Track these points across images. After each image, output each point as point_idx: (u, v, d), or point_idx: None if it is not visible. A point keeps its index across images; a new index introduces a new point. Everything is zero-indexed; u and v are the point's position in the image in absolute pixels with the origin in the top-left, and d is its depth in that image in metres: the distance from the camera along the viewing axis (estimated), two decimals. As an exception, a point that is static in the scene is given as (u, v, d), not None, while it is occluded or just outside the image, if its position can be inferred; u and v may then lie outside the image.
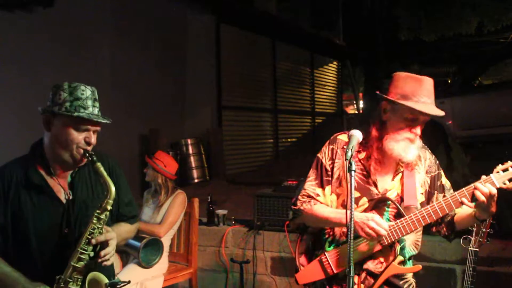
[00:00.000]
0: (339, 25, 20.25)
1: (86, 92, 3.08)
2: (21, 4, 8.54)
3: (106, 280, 3.03)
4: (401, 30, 16.30)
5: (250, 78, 14.98)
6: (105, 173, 3.08)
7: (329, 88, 20.69)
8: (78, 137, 3.05)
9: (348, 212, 2.93)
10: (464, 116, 10.79)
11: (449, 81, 18.64)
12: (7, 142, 8.07)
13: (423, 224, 3.28)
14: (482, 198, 3.12)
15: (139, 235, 5.75)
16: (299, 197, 3.60)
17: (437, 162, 3.57)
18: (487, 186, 3.12)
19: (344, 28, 20.33)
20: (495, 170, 3.18)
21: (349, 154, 2.94)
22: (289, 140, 17.33)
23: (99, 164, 3.07)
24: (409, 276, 3.56)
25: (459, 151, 7.68)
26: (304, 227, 3.73)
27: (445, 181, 3.56)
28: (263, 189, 6.65)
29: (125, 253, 5.89)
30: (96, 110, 3.10)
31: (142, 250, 5.54)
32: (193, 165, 11.63)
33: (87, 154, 3.07)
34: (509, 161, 3.16)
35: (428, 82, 3.24)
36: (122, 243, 3.40)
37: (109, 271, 3.28)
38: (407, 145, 3.28)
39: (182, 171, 10.65)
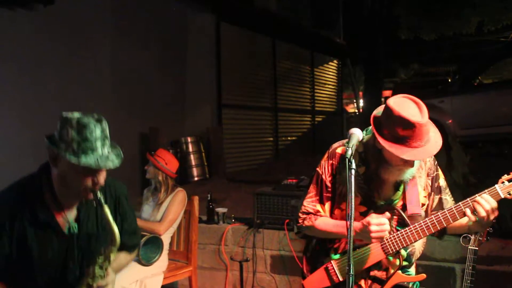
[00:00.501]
0: (339, 24, 20.27)
1: (96, 132, 2.89)
2: (21, 2, 8.54)
3: None
4: (401, 29, 16.32)
5: (250, 76, 14.99)
6: (111, 219, 2.98)
7: (329, 87, 20.70)
8: (85, 179, 2.93)
9: (349, 209, 2.92)
10: (463, 115, 10.79)
11: (449, 80, 18.68)
12: (7, 141, 8.09)
13: (427, 234, 3.30)
14: (483, 213, 3.11)
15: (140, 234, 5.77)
16: (300, 214, 3.59)
17: (436, 163, 3.54)
18: (489, 201, 3.11)
19: (345, 27, 20.35)
20: (500, 180, 3.17)
21: (349, 152, 2.93)
22: (289, 138, 17.33)
23: (106, 208, 2.97)
24: (412, 271, 3.59)
25: (459, 150, 7.69)
26: (308, 235, 3.72)
27: (442, 182, 3.54)
28: (263, 188, 6.65)
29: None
30: (106, 151, 2.93)
31: (142, 248, 5.56)
32: (193, 163, 11.64)
33: (94, 197, 2.97)
34: None
35: (421, 127, 3.06)
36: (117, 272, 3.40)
37: None
38: (402, 172, 3.26)
39: (182, 169, 10.67)
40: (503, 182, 3.16)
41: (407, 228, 3.31)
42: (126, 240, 3.35)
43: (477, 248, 3.77)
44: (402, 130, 3.05)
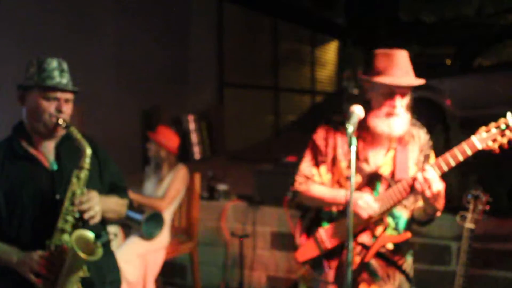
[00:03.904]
0: (340, 4, 20.20)
1: (52, 63, 3.22)
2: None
3: (92, 236, 3.09)
4: (401, 11, 16.30)
5: (252, 55, 14.99)
6: (79, 135, 3.19)
7: (330, 66, 20.70)
8: (49, 107, 3.17)
9: (349, 188, 2.97)
10: (462, 96, 10.82)
11: (449, 62, 18.68)
12: (7, 120, 8.01)
13: (409, 191, 3.31)
14: (418, 187, 3.21)
15: (141, 208, 5.83)
16: (296, 178, 3.69)
17: (430, 143, 3.58)
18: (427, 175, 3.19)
19: (346, 7, 20.27)
20: (477, 133, 3.19)
21: (350, 129, 2.97)
22: (289, 117, 17.36)
23: (72, 128, 3.19)
24: (408, 257, 3.62)
25: (457, 131, 7.74)
26: (304, 206, 3.79)
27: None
28: (263, 165, 6.70)
29: (127, 226, 5.96)
30: (64, 80, 3.23)
31: (144, 223, 5.62)
32: (194, 141, 11.67)
33: (60, 122, 3.19)
34: (492, 123, 3.17)
35: (399, 55, 3.34)
36: (111, 215, 3.48)
37: (98, 228, 3.34)
38: (389, 120, 3.33)
39: (183, 147, 10.70)
40: (480, 134, 3.17)
41: (389, 189, 3.36)
42: (114, 180, 3.58)
43: (473, 227, 3.82)
44: (381, 62, 3.34)
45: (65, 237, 3.07)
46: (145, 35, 11.00)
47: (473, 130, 3.24)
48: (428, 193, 3.19)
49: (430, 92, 9.89)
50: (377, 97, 3.35)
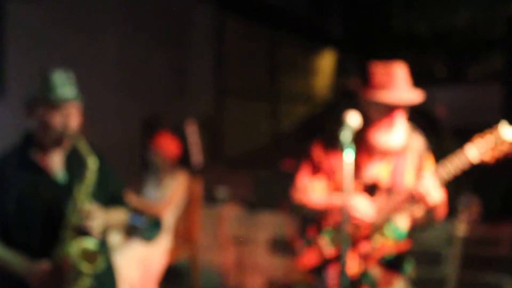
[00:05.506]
0: (338, 12, 20.24)
1: (58, 75, 3.24)
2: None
3: (94, 248, 3.19)
4: (394, 20, 16.39)
5: (251, 63, 15.02)
6: (85, 147, 3.23)
7: (328, 75, 20.75)
8: (55, 119, 3.21)
9: (345, 194, 3.06)
10: (454, 106, 10.93)
11: (440, 71, 18.79)
12: (14, 128, 7.95)
13: (407, 201, 3.34)
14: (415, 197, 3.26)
15: (140, 213, 5.85)
16: (293, 189, 3.68)
17: (427, 145, 3.59)
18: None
19: (343, 16, 20.32)
20: (471, 145, 3.25)
21: (347, 136, 3.05)
22: (288, 125, 17.39)
23: (79, 139, 3.23)
24: (408, 264, 3.65)
25: (450, 141, 7.83)
26: (305, 216, 3.78)
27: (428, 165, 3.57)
28: (262, 171, 6.75)
29: (127, 230, 5.97)
30: (69, 92, 3.26)
31: (143, 228, 5.71)
32: (193, 147, 11.71)
33: (67, 134, 3.24)
34: (486, 134, 3.24)
35: (397, 69, 3.33)
36: (113, 226, 3.60)
37: (100, 239, 3.37)
38: (389, 133, 3.35)
39: (183, 153, 10.75)
40: (471, 149, 3.21)
41: (386, 200, 3.41)
42: (117, 191, 3.63)
43: (465, 233, 3.88)
44: (380, 76, 3.32)
45: (68, 248, 3.15)
46: (146, 41, 11.03)
47: (465, 140, 3.29)
48: (425, 203, 3.26)
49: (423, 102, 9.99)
50: (375, 111, 3.35)
